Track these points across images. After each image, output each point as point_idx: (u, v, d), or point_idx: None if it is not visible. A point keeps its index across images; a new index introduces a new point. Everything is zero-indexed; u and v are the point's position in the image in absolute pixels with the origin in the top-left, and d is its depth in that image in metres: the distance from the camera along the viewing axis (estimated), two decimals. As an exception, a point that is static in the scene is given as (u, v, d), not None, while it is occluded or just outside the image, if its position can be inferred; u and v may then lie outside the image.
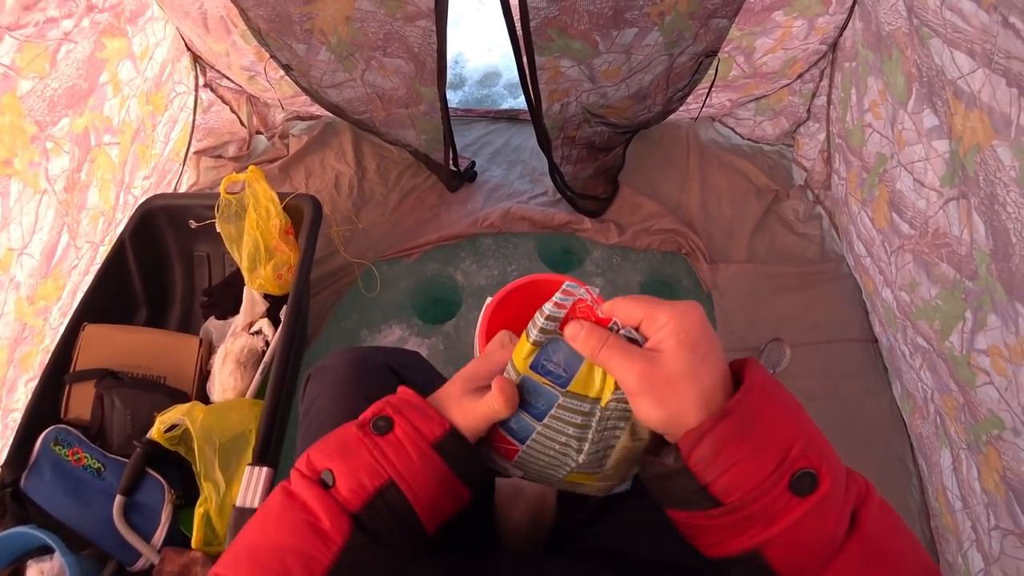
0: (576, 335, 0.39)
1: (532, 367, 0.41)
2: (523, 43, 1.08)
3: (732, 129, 1.54)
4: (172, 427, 0.96)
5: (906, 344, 1.10)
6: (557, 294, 0.39)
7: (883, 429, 1.18)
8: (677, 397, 0.35)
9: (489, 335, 1.05)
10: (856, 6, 1.07)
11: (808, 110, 1.38)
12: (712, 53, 1.14)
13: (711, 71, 1.21)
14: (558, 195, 1.44)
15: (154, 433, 0.95)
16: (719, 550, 0.36)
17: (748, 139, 1.54)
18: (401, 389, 0.45)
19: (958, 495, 0.99)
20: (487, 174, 1.53)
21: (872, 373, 1.23)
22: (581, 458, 0.41)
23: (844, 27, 1.13)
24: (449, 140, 1.33)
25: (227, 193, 1.15)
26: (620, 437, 0.40)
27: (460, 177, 1.47)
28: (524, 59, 1.11)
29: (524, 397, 0.41)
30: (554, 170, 1.35)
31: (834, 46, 1.19)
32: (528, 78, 1.15)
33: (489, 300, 1.07)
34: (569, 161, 1.36)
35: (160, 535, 0.94)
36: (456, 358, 1.24)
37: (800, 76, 1.29)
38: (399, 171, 1.52)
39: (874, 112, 1.05)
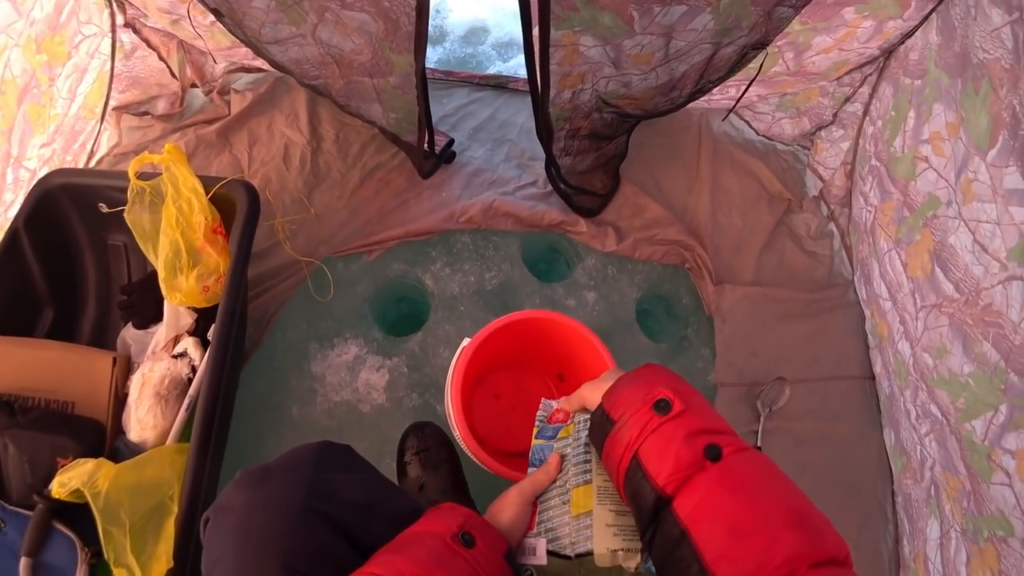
0: (557, 417, 0.67)
1: (537, 436, 0.68)
2: (537, 9, 0.82)
3: (747, 122, 1.35)
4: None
5: (914, 404, 1.01)
6: (539, 411, 0.70)
7: (870, 473, 1.12)
8: (604, 383, 0.58)
9: (465, 382, 0.90)
10: (935, 16, 0.87)
11: (835, 114, 1.20)
12: (762, 46, 0.92)
13: (753, 64, 0.99)
14: (549, 186, 1.24)
15: (54, 490, 0.80)
16: (622, 466, 0.51)
17: (763, 135, 1.35)
18: (462, 510, 0.55)
19: (940, 571, 0.94)
20: (467, 154, 1.31)
21: (865, 412, 1.16)
22: (571, 463, 0.60)
23: (910, 34, 0.94)
24: (425, 122, 1.09)
25: (137, 180, 0.92)
26: (592, 454, 0.60)
27: (436, 160, 1.24)
28: (536, 31, 0.85)
29: (537, 457, 0.65)
30: (551, 163, 1.15)
31: (889, 53, 1.00)
32: (537, 57, 0.90)
33: (465, 344, 0.91)
34: (568, 153, 1.15)
35: (76, 598, 0.81)
36: (421, 382, 1.09)
37: (839, 78, 1.09)
38: (362, 143, 1.29)
39: (935, 146, 0.89)
